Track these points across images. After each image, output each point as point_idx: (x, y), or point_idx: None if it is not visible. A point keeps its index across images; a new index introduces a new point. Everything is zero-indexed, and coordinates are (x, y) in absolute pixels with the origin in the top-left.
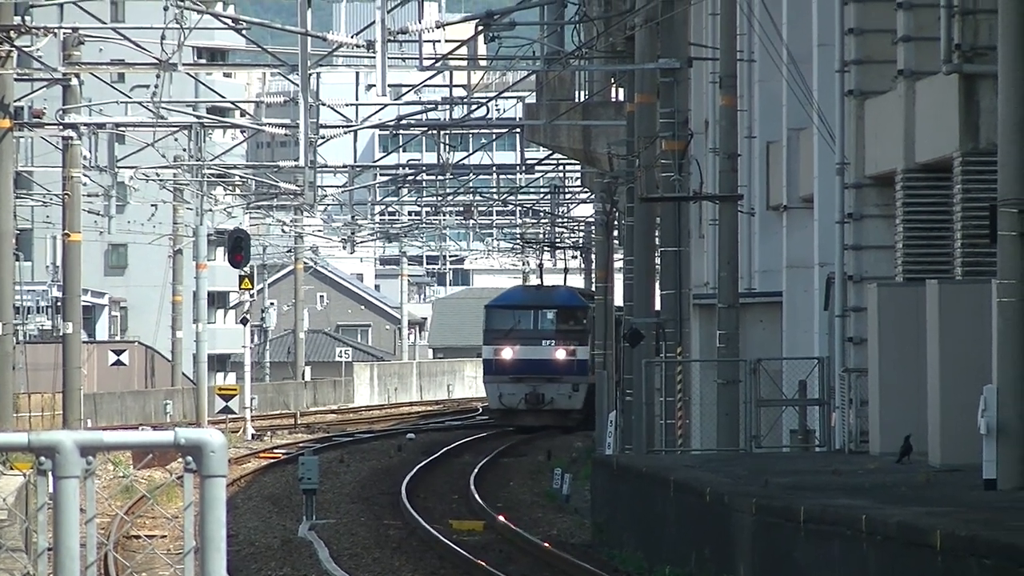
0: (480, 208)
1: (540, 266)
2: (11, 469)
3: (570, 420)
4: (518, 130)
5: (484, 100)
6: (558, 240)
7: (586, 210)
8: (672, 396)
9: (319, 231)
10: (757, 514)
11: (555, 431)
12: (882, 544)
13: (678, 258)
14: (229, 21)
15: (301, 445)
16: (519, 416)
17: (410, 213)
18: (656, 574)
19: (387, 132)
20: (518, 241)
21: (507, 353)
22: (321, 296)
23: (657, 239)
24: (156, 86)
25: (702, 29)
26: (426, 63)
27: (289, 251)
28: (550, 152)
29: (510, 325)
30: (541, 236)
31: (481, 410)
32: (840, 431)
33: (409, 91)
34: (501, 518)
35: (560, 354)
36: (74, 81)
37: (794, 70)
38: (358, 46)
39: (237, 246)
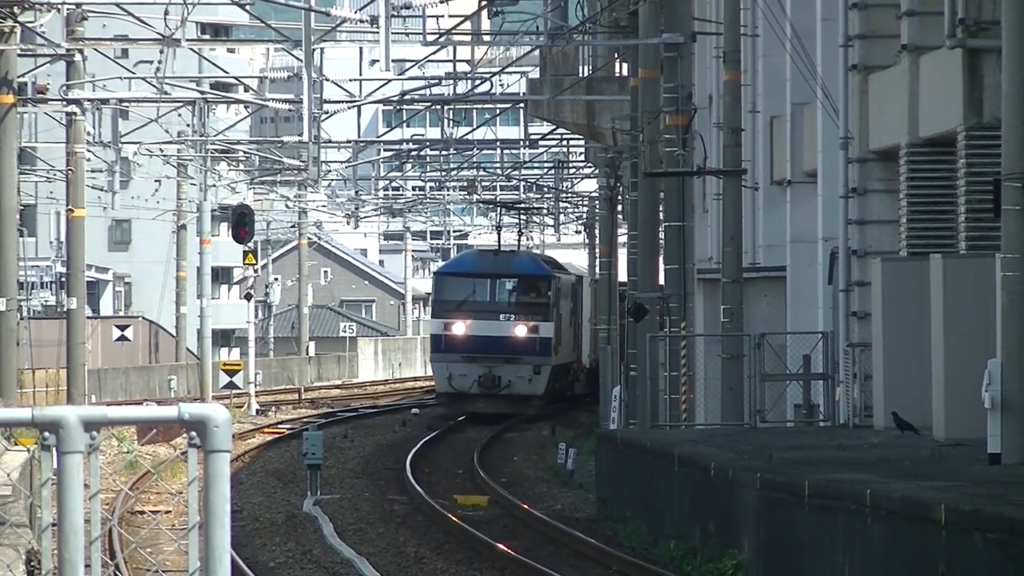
0: (484, 183)
1: (498, 228)
2: (15, 444)
3: (529, 407)
4: (522, 105)
5: (488, 75)
6: (522, 203)
7: (590, 185)
8: (676, 371)
9: (323, 206)
10: (761, 489)
11: (511, 418)
12: (886, 518)
13: (682, 233)
14: None
15: (305, 420)
16: (471, 401)
17: (414, 188)
18: (660, 549)
19: (391, 107)
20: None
21: (459, 328)
22: (325, 271)
23: (661, 214)
24: (160, 61)
25: (705, 4)
26: (430, 38)
27: (293, 226)
28: (554, 127)
29: (463, 296)
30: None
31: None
32: (844, 405)
33: (413, 66)
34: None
35: (520, 331)
36: (78, 57)
37: (798, 45)
38: (362, 21)
39: (241, 221)
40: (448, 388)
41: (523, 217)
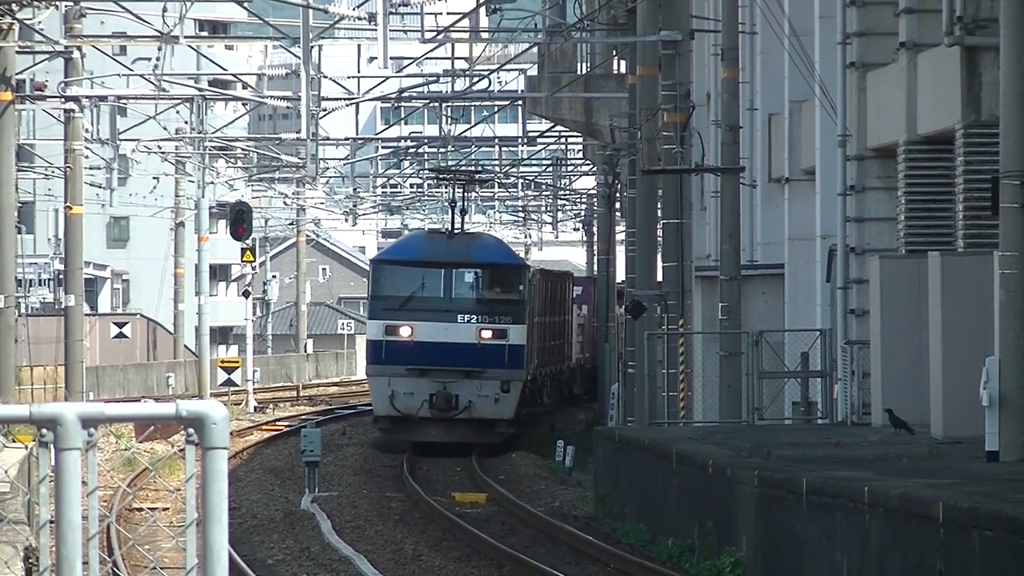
0: (482, 179)
1: (452, 205)
2: (13, 441)
3: (495, 435)
4: (520, 102)
5: (486, 72)
6: (478, 173)
7: (588, 182)
8: (674, 368)
9: (321, 203)
10: (759, 486)
11: (473, 449)
12: (884, 516)
13: (680, 230)
14: None
15: (303, 417)
16: (419, 427)
17: (412, 185)
18: (658, 546)
19: (389, 104)
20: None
21: (404, 332)
22: (323, 268)
23: (659, 211)
24: (158, 58)
25: (704, 1)
26: (428, 35)
27: (291, 223)
28: (552, 124)
29: (409, 290)
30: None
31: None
32: (842, 403)
33: (411, 63)
34: None
35: (484, 336)
36: (76, 54)
37: (796, 42)
38: (360, 18)
39: (239, 219)
40: (390, 410)
41: (469, 190)
